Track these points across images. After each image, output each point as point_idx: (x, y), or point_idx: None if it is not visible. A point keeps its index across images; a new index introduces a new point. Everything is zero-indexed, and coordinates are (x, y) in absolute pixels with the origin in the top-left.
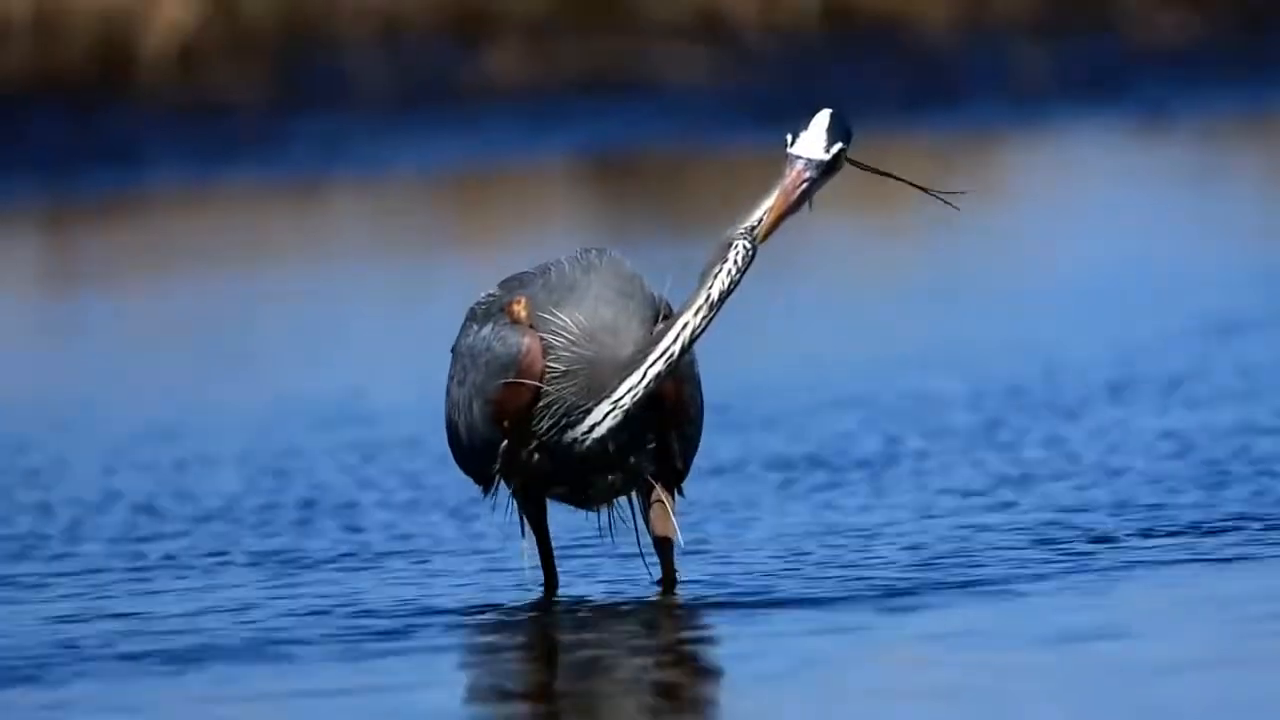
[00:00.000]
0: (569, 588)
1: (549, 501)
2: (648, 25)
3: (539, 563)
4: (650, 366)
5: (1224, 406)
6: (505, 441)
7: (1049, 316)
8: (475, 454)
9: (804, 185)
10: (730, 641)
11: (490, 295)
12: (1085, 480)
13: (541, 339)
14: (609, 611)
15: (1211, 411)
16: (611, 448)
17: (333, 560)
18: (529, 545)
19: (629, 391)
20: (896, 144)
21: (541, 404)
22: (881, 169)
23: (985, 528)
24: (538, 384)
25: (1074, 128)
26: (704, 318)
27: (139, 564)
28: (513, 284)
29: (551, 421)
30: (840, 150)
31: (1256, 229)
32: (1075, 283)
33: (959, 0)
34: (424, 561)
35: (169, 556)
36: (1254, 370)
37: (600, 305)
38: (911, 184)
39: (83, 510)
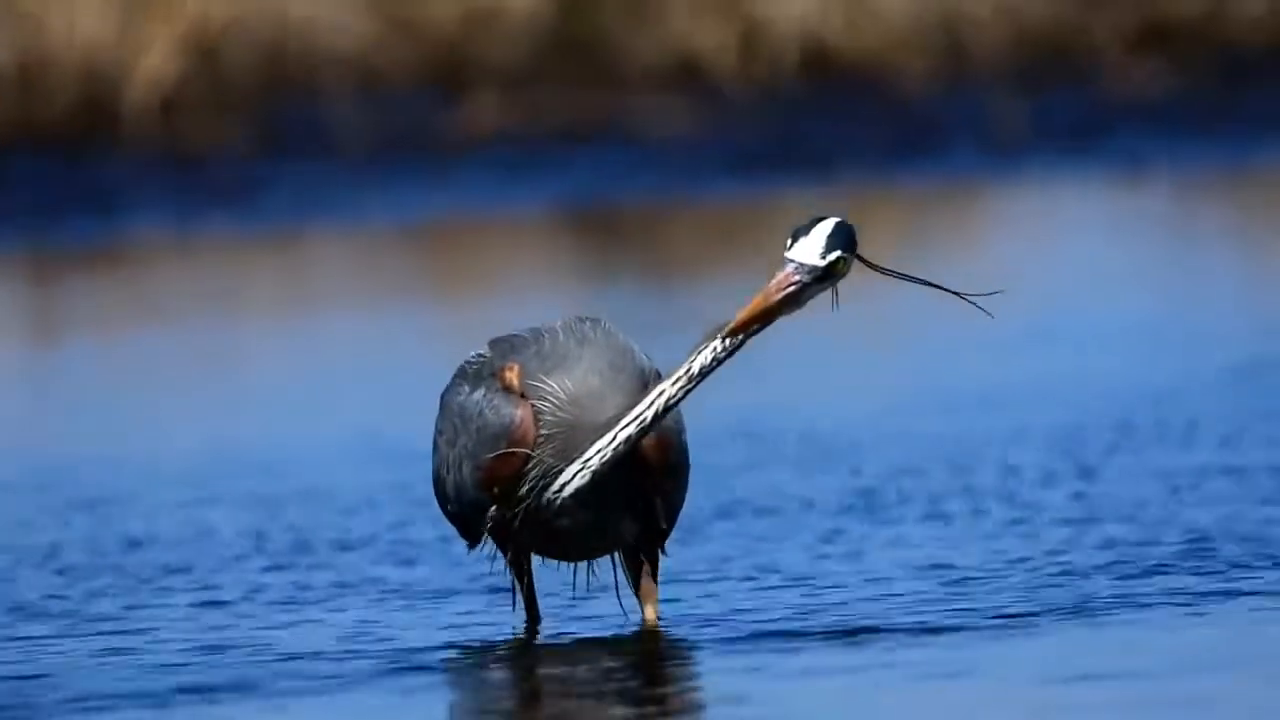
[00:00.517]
0: (553, 624)
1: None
2: (627, 75)
3: (523, 603)
4: (622, 429)
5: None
6: (494, 506)
7: (1021, 362)
8: (462, 512)
9: (790, 288)
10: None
11: (480, 356)
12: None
13: (533, 406)
14: (593, 646)
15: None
16: (589, 514)
17: (291, 602)
18: (515, 590)
19: (598, 453)
20: (877, 194)
21: (526, 467)
22: (909, 275)
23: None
24: (529, 452)
25: (1053, 178)
26: (681, 388)
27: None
28: (503, 346)
29: (530, 484)
30: (839, 259)
31: (1231, 280)
32: (1047, 328)
33: (938, 51)
34: (399, 601)
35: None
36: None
37: (590, 375)
38: (940, 287)
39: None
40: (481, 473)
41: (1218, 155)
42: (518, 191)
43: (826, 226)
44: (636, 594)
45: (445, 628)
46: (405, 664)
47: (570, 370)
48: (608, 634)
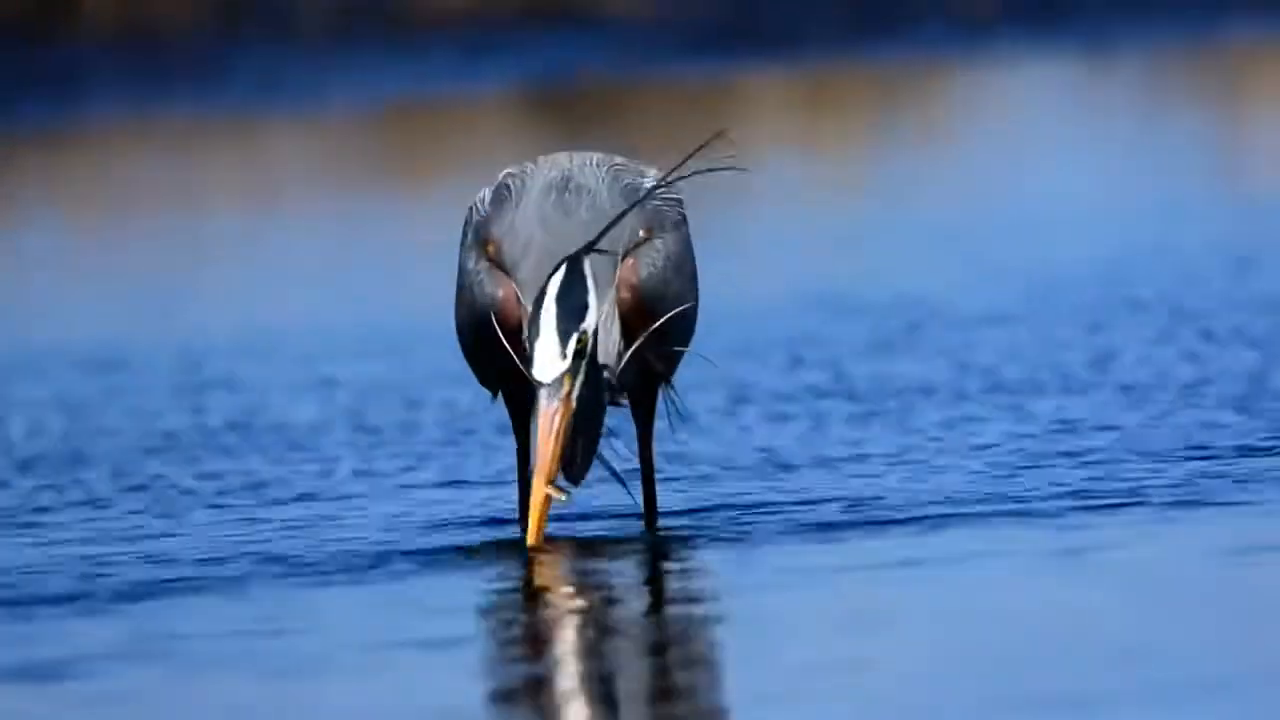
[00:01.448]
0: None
1: None
2: None
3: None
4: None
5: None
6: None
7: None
8: (481, 363)
9: (555, 423)
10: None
11: (482, 200)
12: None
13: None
14: (587, 548)
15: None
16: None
17: (265, 496)
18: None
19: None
20: (840, 73)
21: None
22: (670, 178)
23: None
24: (516, 328)
25: (1021, 55)
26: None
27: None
28: (498, 196)
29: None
30: (580, 336)
31: (1195, 161)
32: (1008, 216)
33: None
34: (385, 493)
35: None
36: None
37: (548, 263)
38: (689, 173)
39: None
40: (485, 343)
41: (1183, 30)
42: (479, 72)
43: (550, 317)
44: (637, 428)
45: (435, 518)
46: (382, 560)
47: (539, 263)
48: (605, 531)
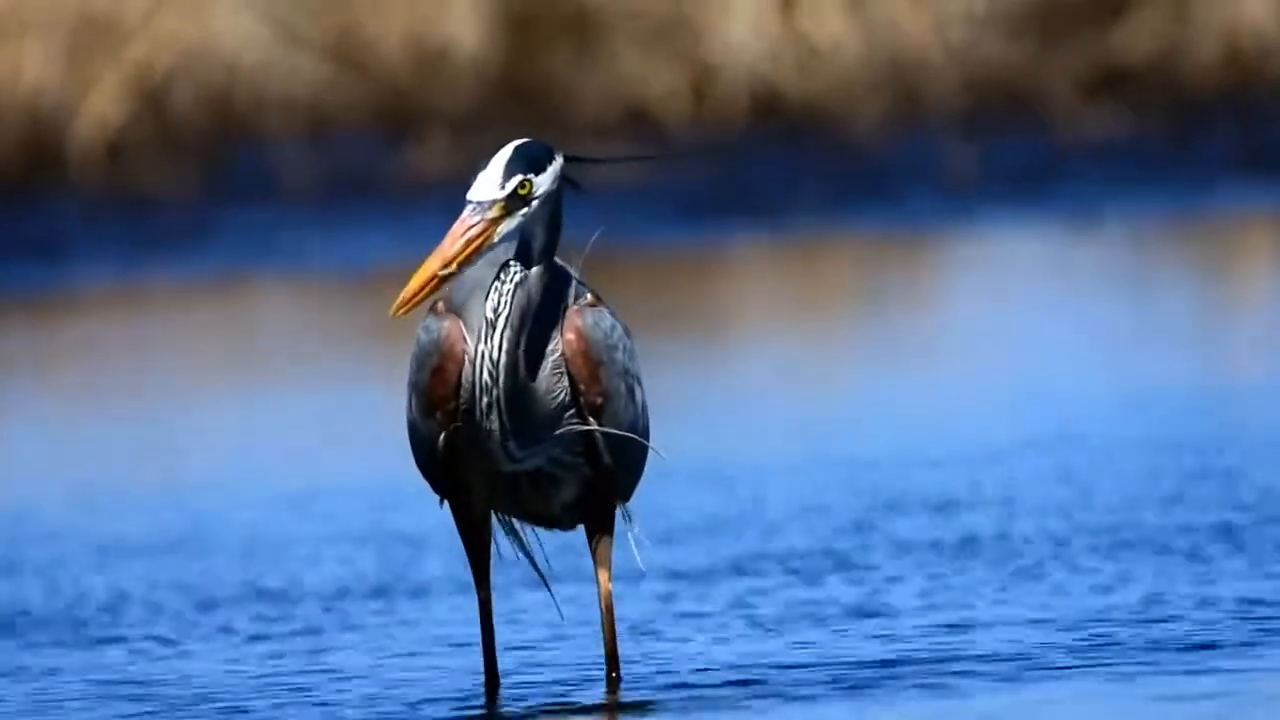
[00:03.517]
0: (513, 677)
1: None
2: (575, 120)
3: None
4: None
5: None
6: (443, 435)
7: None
8: (423, 450)
9: (470, 233)
10: None
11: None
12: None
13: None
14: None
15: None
16: (531, 442)
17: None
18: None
19: (492, 346)
20: (827, 240)
21: (462, 380)
22: (602, 159)
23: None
24: (460, 364)
25: (1004, 224)
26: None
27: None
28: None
29: (466, 402)
30: (522, 182)
31: (1178, 332)
32: (998, 381)
33: (889, 96)
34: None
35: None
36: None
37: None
38: (627, 159)
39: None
40: (423, 395)
41: (1168, 201)
42: None
43: (504, 153)
44: (593, 556)
45: (388, 689)
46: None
47: (481, 298)
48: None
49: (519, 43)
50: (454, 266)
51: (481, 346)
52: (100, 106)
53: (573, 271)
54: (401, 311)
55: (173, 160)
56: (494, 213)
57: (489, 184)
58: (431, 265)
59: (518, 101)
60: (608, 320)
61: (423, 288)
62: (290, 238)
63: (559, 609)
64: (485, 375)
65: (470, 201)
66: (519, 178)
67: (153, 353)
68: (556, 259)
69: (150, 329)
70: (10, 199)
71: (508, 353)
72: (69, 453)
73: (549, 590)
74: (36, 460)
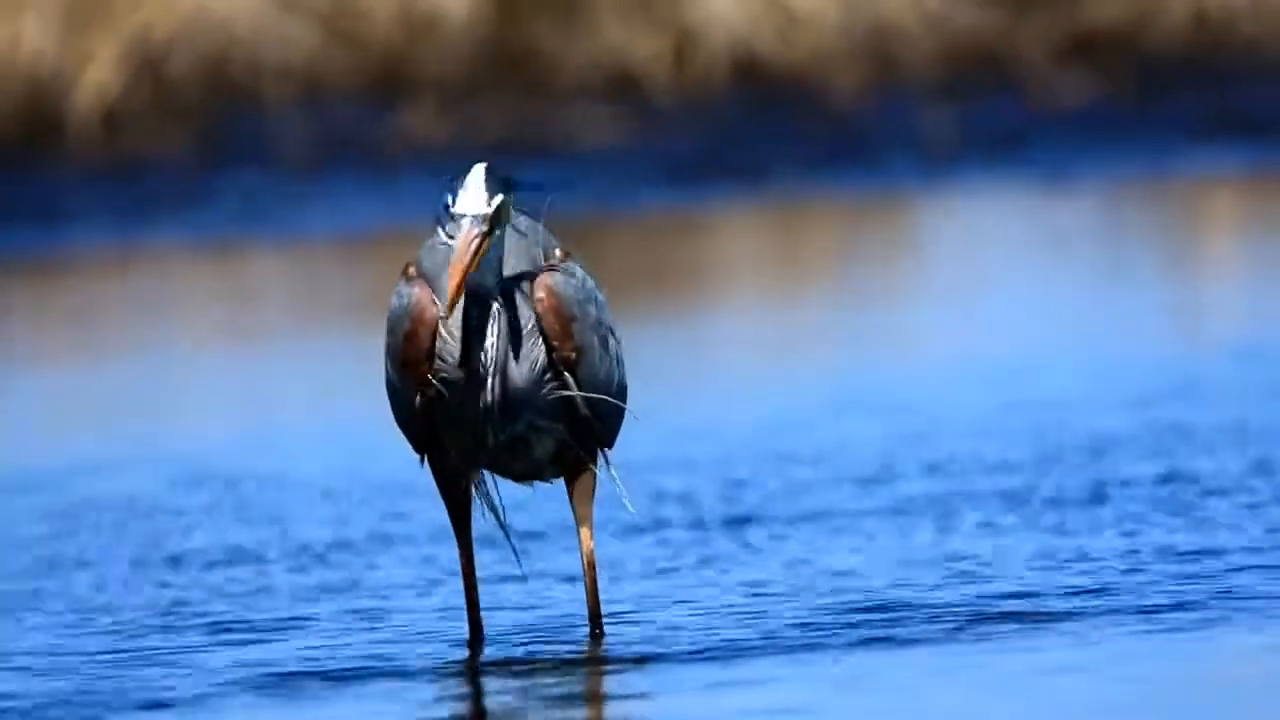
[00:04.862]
0: (496, 630)
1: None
2: (561, 86)
3: (465, 590)
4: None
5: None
6: (419, 395)
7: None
8: (400, 412)
9: (476, 242)
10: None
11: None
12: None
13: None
14: (539, 668)
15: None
16: (507, 398)
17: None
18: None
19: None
20: (808, 204)
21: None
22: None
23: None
24: (432, 328)
25: (981, 187)
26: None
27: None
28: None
29: (441, 365)
30: (503, 202)
31: (1146, 286)
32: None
33: (868, 62)
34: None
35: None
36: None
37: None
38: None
39: None
40: (397, 358)
41: (1137, 163)
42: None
43: (479, 173)
44: (574, 514)
45: (378, 642)
46: (327, 683)
47: (448, 259)
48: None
49: (506, 11)
50: (472, 270)
51: (483, 393)
52: (98, 74)
53: (540, 226)
54: (449, 312)
55: (169, 126)
56: (485, 226)
57: (476, 200)
58: (455, 274)
59: (505, 68)
60: (579, 274)
61: (458, 288)
62: (284, 201)
63: (518, 560)
64: (489, 401)
65: (465, 215)
66: (500, 197)
67: (150, 315)
68: (524, 215)
69: (147, 292)
70: (9, 165)
71: (504, 368)
72: (67, 409)
73: (511, 544)
74: (36, 420)
